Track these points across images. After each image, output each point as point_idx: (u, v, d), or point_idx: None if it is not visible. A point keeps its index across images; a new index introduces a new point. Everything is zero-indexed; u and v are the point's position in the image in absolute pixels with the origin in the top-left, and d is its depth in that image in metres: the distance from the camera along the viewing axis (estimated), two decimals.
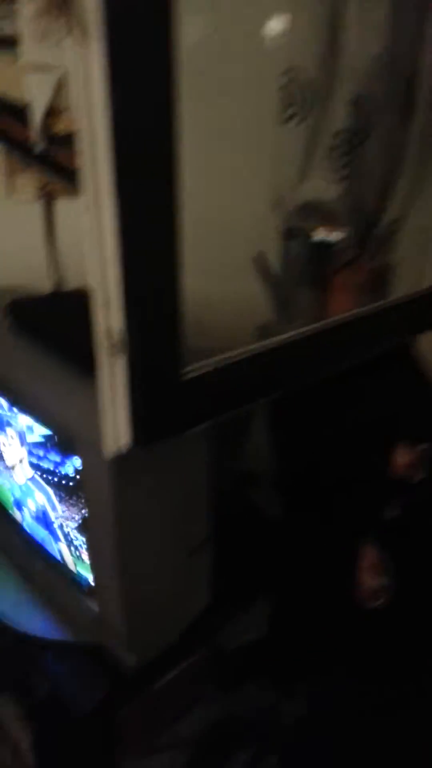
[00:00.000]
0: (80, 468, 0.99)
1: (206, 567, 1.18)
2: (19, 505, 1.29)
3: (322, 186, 0.97)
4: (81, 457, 0.97)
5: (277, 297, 1.16)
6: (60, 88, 1.37)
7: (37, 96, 1.39)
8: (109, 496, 0.95)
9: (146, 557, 1.05)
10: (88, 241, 0.74)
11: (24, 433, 1.13)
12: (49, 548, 1.24)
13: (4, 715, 1.42)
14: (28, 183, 1.51)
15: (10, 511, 1.34)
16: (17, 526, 1.32)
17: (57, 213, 1.55)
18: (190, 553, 1.12)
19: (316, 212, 1.01)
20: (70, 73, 0.67)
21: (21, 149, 1.47)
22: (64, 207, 1.54)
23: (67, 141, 1.44)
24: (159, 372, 0.82)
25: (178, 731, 1.58)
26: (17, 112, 1.42)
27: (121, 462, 0.91)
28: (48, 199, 1.53)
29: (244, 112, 0.98)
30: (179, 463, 1.01)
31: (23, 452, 1.16)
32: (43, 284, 1.59)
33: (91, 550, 1.06)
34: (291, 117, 0.93)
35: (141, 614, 1.09)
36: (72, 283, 1.63)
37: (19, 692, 1.36)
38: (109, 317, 0.78)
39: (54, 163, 1.48)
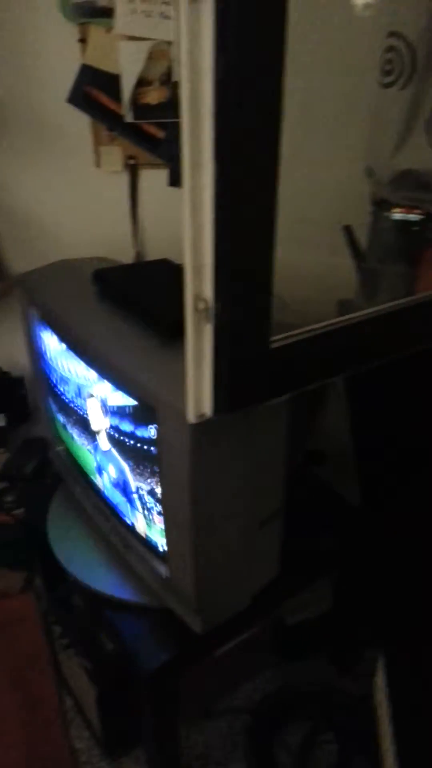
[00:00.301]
0: (158, 435, 1.01)
1: (276, 538, 1.19)
2: (99, 471, 1.33)
3: (420, 155, 0.94)
4: (160, 423, 0.99)
5: (363, 271, 1.14)
6: (151, 59, 1.38)
7: (128, 66, 1.40)
8: (187, 463, 0.96)
9: (219, 525, 1.06)
10: (185, 203, 0.74)
11: (106, 400, 1.16)
12: (123, 513, 1.27)
13: (73, 669, 1.48)
14: (114, 154, 1.54)
15: (91, 476, 1.38)
16: (96, 490, 1.37)
17: (141, 184, 1.56)
18: (261, 523, 1.12)
19: (411, 182, 0.98)
20: (178, 32, 0.66)
21: (110, 119, 1.49)
22: (147, 178, 1.56)
23: (155, 112, 1.45)
24: (247, 339, 0.82)
25: (235, 699, 1.61)
26: (108, 83, 1.44)
27: (201, 429, 0.92)
28: (133, 170, 1.54)
29: (344, 74, 0.96)
30: (257, 433, 1.01)
31: (107, 421, 1.19)
32: (126, 255, 1.62)
33: (165, 516, 1.08)
34: (392, 83, 0.91)
35: (211, 581, 1.11)
36: (152, 254, 1.65)
37: (87, 648, 1.41)
38: (200, 283, 0.79)
39: (141, 134, 1.49)
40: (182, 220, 0.76)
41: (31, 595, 1.87)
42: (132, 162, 1.53)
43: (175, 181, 1.52)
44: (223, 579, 1.13)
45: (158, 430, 1.00)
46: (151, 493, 1.12)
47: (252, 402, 0.89)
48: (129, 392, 1.06)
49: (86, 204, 1.61)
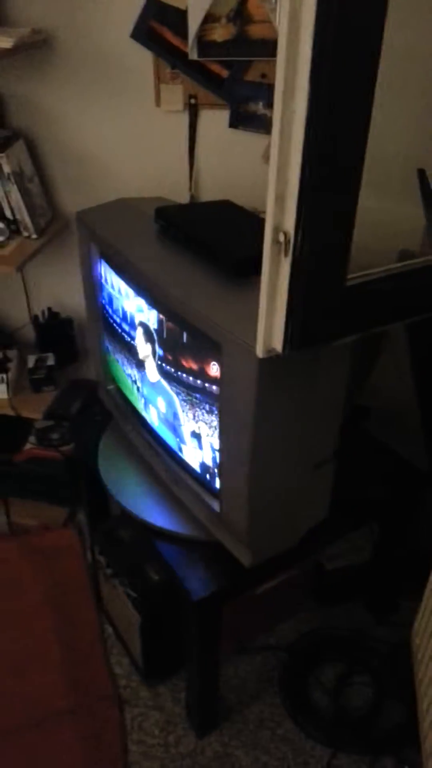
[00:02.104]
0: (222, 371, 1.02)
1: (328, 482, 1.21)
2: (145, 403, 1.35)
3: None
4: (224, 359, 1.00)
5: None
6: None
7: (196, 1, 1.37)
8: (251, 400, 0.97)
9: (276, 462, 1.08)
10: (274, 131, 0.74)
11: (166, 335, 1.17)
12: (174, 449, 1.30)
13: (117, 598, 1.53)
14: (175, 93, 1.52)
15: (143, 413, 1.41)
16: (147, 427, 1.40)
17: (200, 125, 1.55)
18: (317, 465, 1.15)
19: None
20: None
21: (173, 57, 1.47)
22: (206, 119, 1.54)
23: (220, 49, 1.43)
24: (324, 275, 0.82)
25: (270, 638, 1.67)
26: (174, 18, 1.41)
27: (268, 366, 0.93)
28: (193, 110, 1.53)
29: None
30: (321, 375, 1.02)
31: (164, 355, 1.21)
32: (180, 197, 1.61)
33: (222, 450, 1.11)
34: None
35: (263, 517, 1.14)
36: (207, 197, 1.64)
37: (133, 578, 1.47)
38: (281, 214, 0.79)
39: (205, 72, 1.47)
40: (271, 148, 0.76)
41: (73, 528, 1.94)
42: (192, 101, 1.51)
43: (235, 121, 1.50)
44: (274, 516, 1.16)
45: (222, 367, 1.02)
46: (208, 427, 1.14)
47: (323, 339, 0.90)
48: (193, 328, 1.07)
49: (143, 144, 1.60)
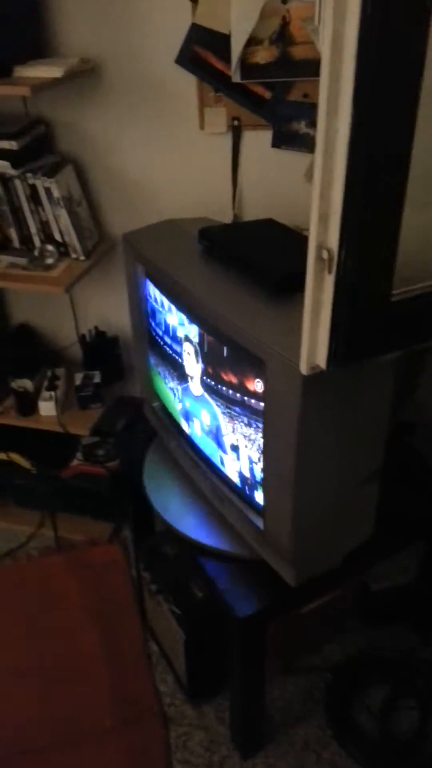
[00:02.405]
0: (265, 388, 1.03)
1: (373, 500, 1.20)
2: (188, 417, 1.37)
3: None
4: (268, 376, 1.01)
5: None
6: (262, 16, 1.38)
7: (239, 24, 1.40)
8: (295, 417, 0.97)
9: (321, 479, 1.07)
10: (317, 148, 0.74)
11: (210, 353, 1.18)
12: (219, 467, 1.31)
13: (161, 615, 1.54)
14: (219, 115, 1.55)
15: (187, 430, 1.42)
16: (192, 444, 1.41)
17: (243, 146, 1.57)
18: (362, 481, 1.14)
19: None
20: None
21: (217, 80, 1.50)
22: (249, 140, 1.56)
23: (263, 71, 1.45)
24: (368, 291, 0.82)
25: (315, 659, 1.64)
26: (217, 42, 1.45)
27: (312, 382, 0.93)
28: (236, 132, 1.55)
29: None
30: (365, 391, 1.02)
31: (208, 372, 1.22)
32: (224, 217, 1.63)
33: (266, 468, 1.11)
34: None
35: (308, 536, 1.13)
36: (250, 217, 1.66)
37: (177, 595, 1.47)
38: (324, 231, 0.80)
39: (248, 94, 1.50)
40: (314, 166, 0.77)
41: (118, 544, 1.95)
42: (236, 123, 1.53)
43: (278, 141, 1.52)
44: (319, 534, 1.16)
45: (266, 383, 1.03)
46: (252, 446, 1.15)
47: (367, 355, 0.90)
48: (237, 345, 1.08)
49: (187, 166, 1.63)
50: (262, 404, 1.06)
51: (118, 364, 1.94)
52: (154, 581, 1.53)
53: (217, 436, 1.26)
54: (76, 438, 1.92)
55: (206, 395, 1.24)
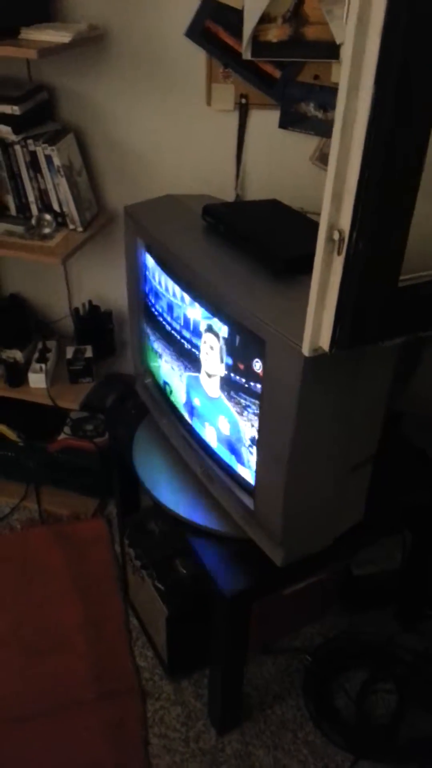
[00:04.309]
0: (264, 368, 1.03)
1: (365, 485, 1.21)
2: (190, 402, 1.36)
3: None
4: (268, 356, 1.01)
5: None
6: None
7: (253, 1, 1.38)
8: (294, 398, 0.97)
9: (314, 462, 1.08)
10: (336, 128, 0.74)
11: (210, 330, 1.18)
12: (211, 445, 1.31)
13: (144, 591, 1.54)
14: (227, 92, 1.53)
15: (180, 408, 1.42)
16: (183, 422, 1.41)
17: (249, 125, 1.55)
18: (354, 467, 1.14)
19: None
20: None
21: (227, 56, 1.47)
22: (256, 119, 1.54)
23: (274, 50, 1.43)
24: (376, 275, 0.82)
25: (295, 640, 1.66)
26: (229, 18, 1.42)
27: (313, 365, 0.93)
28: (243, 110, 1.53)
29: None
30: (364, 376, 1.02)
31: (198, 345, 1.22)
32: (226, 196, 1.62)
33: (260, 449, 1.11)
34: None
35: (298, 517, 1.14)
36: (252, 197, 1.64)
37: (162, 572, 1.47)
38: (337, 212, 0.79)
39: (257, 72, 1.48)
40: (331, 145, 0.76)
41: (103, 519, 1.95)
42: (243, 101, 1.52)
43: (285, 122, 1.50)
44: (309, 516, 1.16)
45: (265, 364, 1.02)
46: (247, 425, 1.15)
47: (371, 340, 0.90)
48: (237, 323, 1.08)
49: (191, 142, 1.61)
50: (259, 384, 1.06)
51: (111, 340, 1.93)
52: (139, 557, 1.53)
53: (213, 416, 1.26)
54: (64, 412, 1.91)
55: (204, 373, 1.24)
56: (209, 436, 1.30)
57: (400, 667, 1.56)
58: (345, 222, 0.79)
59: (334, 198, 0.79)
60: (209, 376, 1.23)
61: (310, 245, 1.18)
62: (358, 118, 0.72)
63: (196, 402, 1.31)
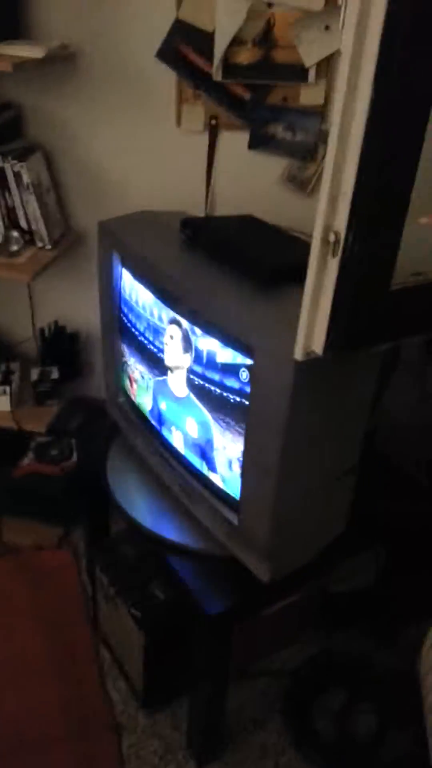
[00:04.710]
0: (252, 376, 1.02)
1: (348, 495, 1.20)
2: (169, 420, 1.34)
3: None
4: (256, 364, 1.00)
5: None
6: (248, 18, 1.39)
7: (224, 23, 1.41)
8: (285, 405, 0.96)
9: (303, 472, 1.07)
10: (333, 127, 0.75)
11: (192, 344, 1.17)
12: (188, 457, 1.28)
13: (118, 618, 1.48)
14: (197, 113, 1.55)
15: (157, 426, 1.39)
16: (161, 440, 1.38)
17: (219, 146, 1.57)
18: (339, 476, 1.14)
19: None
20: None
21: (197, 78, 1.50)
22: (226, 140, 1.57)
23: (245, 72, 1.46)
24: (371, 277, 0.83)
25: (271, 663, 1.63)
26: (200, 40, 1.45)
27: (304, 369, 0.93)
28: (213, 131, 1.55)
29: None
30: (352, 382, 1.03)
31: (187, 363, 1.20)
32: (197, 213, 1.62)
33: (246, 460, 1.09)
34: None
35: (285, 529, 1.12)
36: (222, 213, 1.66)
37: (139, 594, 1.42)
38: (333, 213, 0.80)
39: (227, 94, 1.50)
40: (328, 146, 0.77)
41: (68, 548, 1.88)
42: (213, 122, 1.54)
43: (255, 143, 1.53)
44: (297, 528, 1.15)
45: (253, 372, 1.02)
46: (231, 439, 1.13)
47: (365, 342, 0.90)
48: (223, 333, 1.07)
49: (160, 162, 1.62)
50: (244, 395, 1.05)
51: (76, 362, 1.89)
52: (112, 583, 1.48)
53: (196, 435, 1.24)
54: (28, 436, 1.85)
55: (190, 393, 1.22)
56: (179, 441, 1.28)
57: (379, 685, 1.54)
58: (340, 224, 0.80)
59: (330, 200, 0.79)
60: (172, 370, 1.21)
61: (292, 256, 1.20)
62: (356, 119, 0.74)
63: (164, 406, 1.29)
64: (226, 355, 1.09)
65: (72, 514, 1.90)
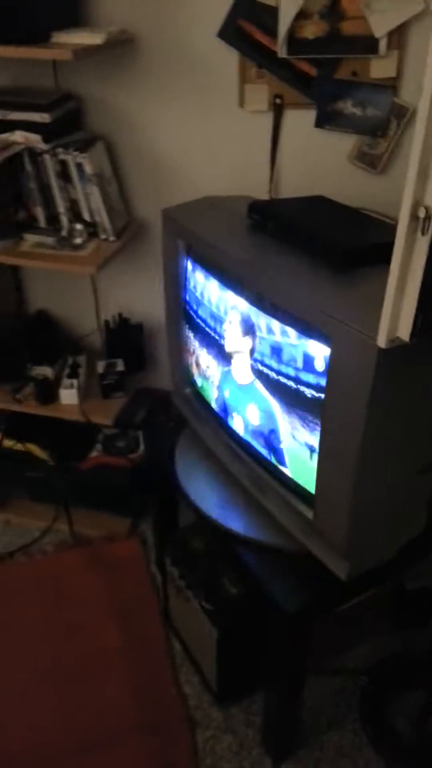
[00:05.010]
0: (330, 365, 0.97)
1: (427, 491, 1.14)
2: (229, 403, 1.30)
3: None
4: (334, 351, 0.95)
5: None
6: None
7: None
8: (366, 394, 0.91)
9: (383, 466, 1.01)
10: (422, 102, 0.69)
11: (262, 332, 1.12)
12: (263, 454, 1.24)
13: (190, 612, 1.46)
14: (260, 92, 1.49)
15: (226, 417, 1.36)
16: (230, 432, 1.34)
17: (284, 126, 1.52)
18: (421, 470, 1.08)
19: None
20: None
21: (261, 55, 1.44)
22: (291, 119, 1.51)
23: (310, 47, 1.40)
24: None
25: (346, 660, 1.58)
26: (263, 16, 1.39)
27: (388, 356, 0.87)
28: (278, 110, 1.50)
29: None
30: None
31: (243, 346, 1.16)
32: (261, 197, 1.57)
33: (322, 453, 1.05)
34: None
35: (364, 526, 1.07)
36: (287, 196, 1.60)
37: (209, 591, 1.40)
38: (422, 189, 0.74)
39: (293, 71, 1.45)
40: (417, 117, 0.71)
41: (137, 540, 1.88)
42: (278, 101, 1.48)
43: (322, 121, 1.47)
44: (376, 525, 1.09)
45: (331, 360, 0.97)
46: (306, 428, 1.09)
47: None
48: (296, 320, 1.02)
49: (224, 146, 1.58)
50: (317, 384, 1.00)
51: (141, 354, 1.87)
52: (183, 576, 1.46)
53: (267, 425, 1.20)
54: (94, 429, 1.85)
55: (254, 377, 1.18)
56: (247, 432, 1.24)
57: None
58: None
59: (419, 173, 0.74)
60: (234, 356, 1.17)
61: (368, 237, 1.14)
62: None
63: (228, 395, 1.25)
64: (298, 342, 1.04)
65: (140, 506, 1.89)
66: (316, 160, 1.53)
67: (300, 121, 1.50)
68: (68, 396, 1.73)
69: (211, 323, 1.27)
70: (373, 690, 1.49)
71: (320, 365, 1.01)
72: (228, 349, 1.23)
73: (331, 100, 1.44)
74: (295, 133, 1.52)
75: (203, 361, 1.36)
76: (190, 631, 1.53)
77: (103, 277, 1.85)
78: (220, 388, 1.32)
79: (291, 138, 1.52)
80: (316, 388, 1.03)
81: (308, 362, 1.03)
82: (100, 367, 1.77)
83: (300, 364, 1.05)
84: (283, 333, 1.07)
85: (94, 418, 1.74)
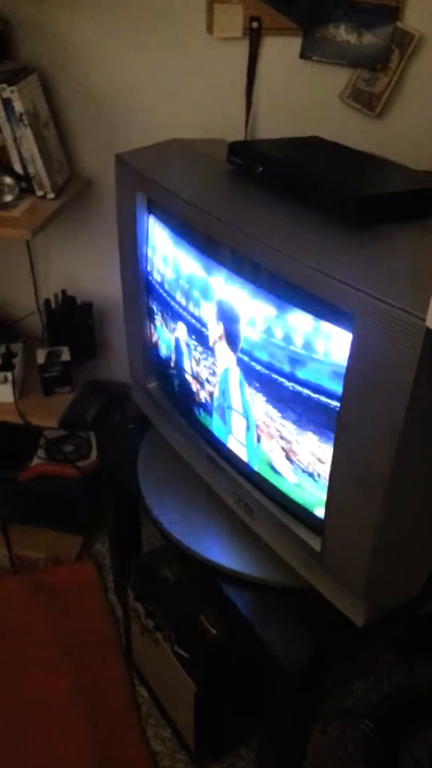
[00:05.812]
0: (353, 352, 0.71)
1: None
2: (206, 400, 1.04)
3: None
4: (358, 332, 0.69)
5: None
6: None
7: None
8: (405, 389, 0.66)
9: (417, 485, 0.77)
10: None
11: (252, 309, 0.86)
12: (249, 461, 0.98)
13: (160, 656, 1.20)
14: (233, 14, 1.22)
15: (204, 420, 1.09)
16: (210, 438, 1.07)
17: (262, 55, 1.24)
18: None
19: None
20: None
21: None
22: (270, 48, 1.24)
23: None
24: None
25: (346, 700, 1.35)
26: None
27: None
28: (254, 36, 1.22)
29: None
30: None
31: (223, 330, 0.90)
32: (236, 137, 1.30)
33: (338, 466, 0.80)
34: None
35: (388, 558, 0.83)
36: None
37: (185, 629, 1.14)
38: None
39: None
40: None
41: (90, 562, 1.60)
42: (254, 25, 1.21)
43: (308, 50, 1.20)
44: (401, 559, 0.86)
45: (354, 348, 0.70)
46: (314, 440, 0.83)
47: None
48: (305, 295, 0.76)
49: (188, 81, 1.30)
50: (335, 381, 0.74)
51: (91, 339, 1.58)
52: (150, 614, 1.19)
53: (256, 433, 0.94)
54: (37, 431, 1.56)
55: (240, 370, 0.91)
56: (232, 439, 0.98)
57: None
58: None
59: None
60: (212, 343, 0.91)
61: (387, 185, 0.88)
62: None
63: (211, 392, 0.98)
64: (305, 325, 0.78)
65: (93, 521, 1.61)
66: (301, 98, 1.27)
67: (282, 50, 1.24)
68: (1, 393, 1.43)
69: (183, 301, 0.99)
70: (379, 735, 1.26)
71: (338, 355, 0.74)
72: (207, 334, 0.95)
73: (320, 25, 1.18)
74: (276, 65, 1.26)
75: (172, 349, 1.09)
76: (160, 677, 1.26)
77: (41, 245, 1.55)
78: (196, 383, 1.05)
79: (271, 71, 1.27)
80: (330, 386, 0.77)
81: (320, 351, 0.77)
82: (41, 356, 1.47)
83: (307, 354, 0.79)
84: (282, 312, 0.80)
85: (34, 419, 1.45)
